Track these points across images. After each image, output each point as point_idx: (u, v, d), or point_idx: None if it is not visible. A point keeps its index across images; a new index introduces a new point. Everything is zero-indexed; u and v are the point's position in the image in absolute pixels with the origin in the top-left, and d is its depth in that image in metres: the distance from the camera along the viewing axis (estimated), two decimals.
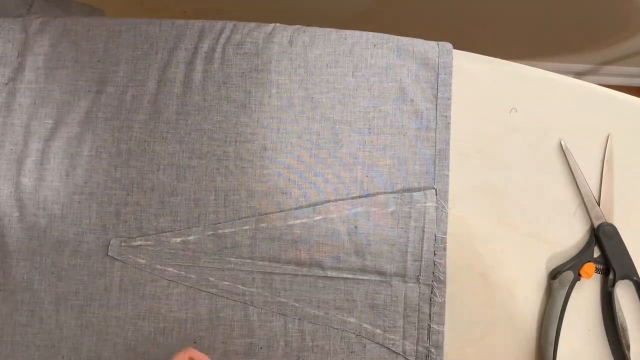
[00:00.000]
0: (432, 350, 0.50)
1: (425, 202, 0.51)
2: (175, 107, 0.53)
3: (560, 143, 0.53)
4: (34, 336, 0.50)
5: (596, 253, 0.52)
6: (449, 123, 0.52)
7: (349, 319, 0.51)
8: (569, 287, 0.50)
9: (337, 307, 0.51)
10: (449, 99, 0.52)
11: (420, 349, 0.50)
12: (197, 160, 0.52)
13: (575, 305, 0.51)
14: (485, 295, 0.52)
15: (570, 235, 0.53)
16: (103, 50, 0.54)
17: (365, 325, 0.51)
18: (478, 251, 0.52)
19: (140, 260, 0.51)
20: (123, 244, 0.51)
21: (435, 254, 0.51)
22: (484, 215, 0.53)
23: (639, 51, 1.18)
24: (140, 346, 0.50)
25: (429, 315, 0.50)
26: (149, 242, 0.51)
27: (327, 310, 0.51)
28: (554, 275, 0.51)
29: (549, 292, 0.52)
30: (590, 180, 0.53)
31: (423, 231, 0.51)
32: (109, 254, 0.51)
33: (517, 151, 0.53)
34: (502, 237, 0.53)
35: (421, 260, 0.51)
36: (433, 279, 0.51)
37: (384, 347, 0.50)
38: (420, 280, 0.51)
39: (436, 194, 0.51)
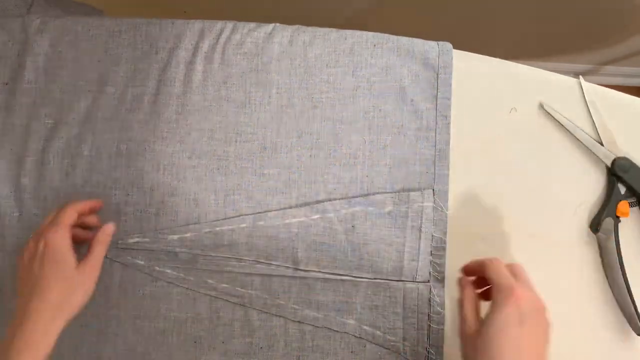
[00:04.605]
0: (432, 350, 0.50)
1: (422, 202, 0.51)
2: (175, 106, 0.53)
3: (542, 105, 0.53)
4: None
5: (622, 190, 0.52)
6: (449, 123, 0.52)
7: (348, 321, 0.51)
8: (614, 232, 0.51)
9: (336, 309, 0.51)
10: (449, 98, 0.52)
11: (420, 349, 0.50)
12: (197, 160, 0.52)
13: (627, 246, 0.52)
14: None
15: (572, 232, 0.53)
16: (103, 50, 0.54)
17: (364, 327, 0.51)
18: (478, 251, 0.52)
19: (139, 262, 0.51)
20: (120, 241, 0.51)
21: (432, 254, 0.51)
22: (484, 215, 0.53)
23: (639, 51, 1.18)
24: (140, 346, 0.50)
25: (428, 315, 0.50)
26: (146, 239, 0.51)
27: (326, 312, 0.51)
28: (595, 228, 0.51)
29: (598, 247, 0.52)
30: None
31: (420, 231, 0.51)
32: (108, 256, 0.51)
33: (517, 151, 0.53)
34: (502, 237, 0.53)
35: (418, 260, 0.51)
36: (430, 279, 0.51)
37: (384, 348, 0.50)
38: (416, 280, 0.51)
39: (434, 194, 0.51)
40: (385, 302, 0.51)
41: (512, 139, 0.53)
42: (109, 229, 0.48)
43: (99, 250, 0.47)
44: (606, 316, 0.52)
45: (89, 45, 0.54)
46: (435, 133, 0.52)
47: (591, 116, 0.53)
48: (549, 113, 0.53)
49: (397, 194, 0.51)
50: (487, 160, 0.53)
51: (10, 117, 0.53)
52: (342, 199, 0.51)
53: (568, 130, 0.53)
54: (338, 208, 0.51)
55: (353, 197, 0.51)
